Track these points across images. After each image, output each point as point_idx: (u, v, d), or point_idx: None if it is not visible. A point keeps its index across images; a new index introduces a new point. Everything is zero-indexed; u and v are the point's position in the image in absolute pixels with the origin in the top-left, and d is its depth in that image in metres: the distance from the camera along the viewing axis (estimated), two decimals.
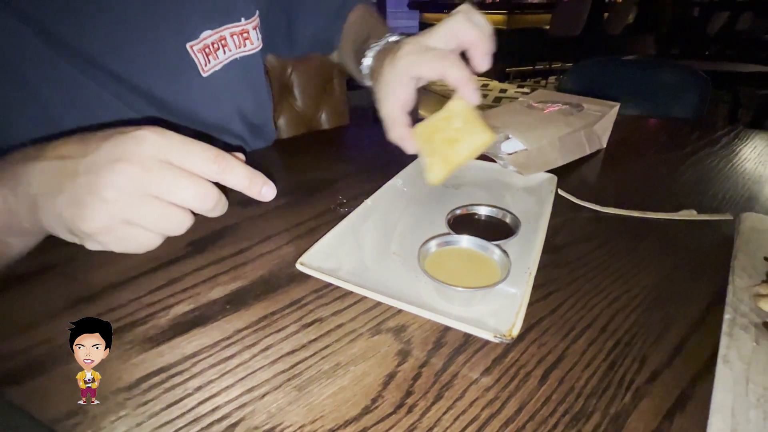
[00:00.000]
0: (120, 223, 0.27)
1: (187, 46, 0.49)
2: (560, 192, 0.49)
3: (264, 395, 0.26)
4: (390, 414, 0.25)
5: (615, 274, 0.36)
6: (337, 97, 1.00)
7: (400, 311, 0.32)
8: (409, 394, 0.26)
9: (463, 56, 0.40)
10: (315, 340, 0.30)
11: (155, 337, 0.30)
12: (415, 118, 0.44)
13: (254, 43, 0.55)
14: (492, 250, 0.35)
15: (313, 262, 0.35)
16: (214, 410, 0.25)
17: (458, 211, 0.42)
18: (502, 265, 0.33)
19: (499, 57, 0.41)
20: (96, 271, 0.36)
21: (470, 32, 0.39)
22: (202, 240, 0.41)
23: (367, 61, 0.50)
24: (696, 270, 0.37)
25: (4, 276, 0.36)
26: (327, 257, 0.36)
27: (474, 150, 0.39)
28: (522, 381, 0.27)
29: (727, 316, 0.30)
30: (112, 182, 0.26)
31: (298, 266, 0.34)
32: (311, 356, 0.28)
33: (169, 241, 0.31)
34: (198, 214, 0.30)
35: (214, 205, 0.29)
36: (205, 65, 0.51)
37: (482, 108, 0.43)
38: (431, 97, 2.78)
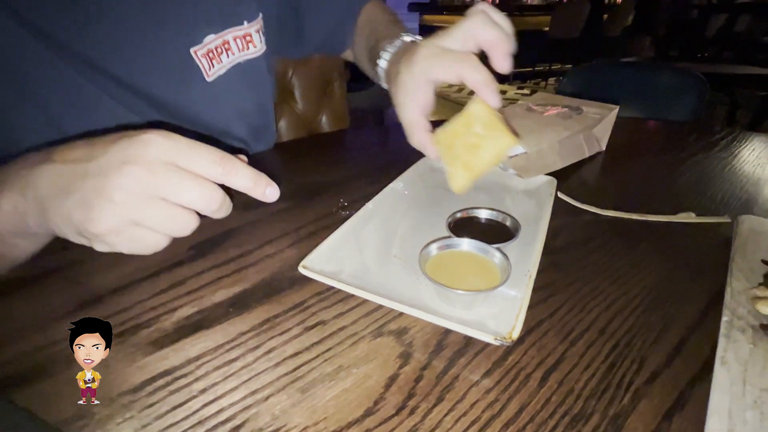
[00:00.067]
0: (128, 225, 0.28)
1: (191, 51, 0.49)
2: (560, 195, 0.49)
3: (268, 397, 0.26)
4: (392, 416, 0.25)
5: (614, 277, 0.37)
6: (338, 100, 1.01)
7: (401, 314, 0.32)
8: (410, 396, 0.26)
9: (483, 56, 0.39)
10: (318, 342, 0.30)
11: (159, 340, 0.30)
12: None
13: (257, 46, 0.55)
14: (492, 253, 0.35)
15: (315, 266, 0.35)
16: (218, 412, 0.25)
17: (459, 214, 0.42)
18: (502, 268, 0.34)
19: None
20: (100, 274, 0.37)
21: (489, 33, 0.38)
22: (205, 243, 0.41)
23: (383, 63, 0.50)
24: (694, 272, 0.38)
25: (10, 279, 0.36)
26: (329, 260, 0.36)
27: (497, 155, 0.37)
28: (522, 383, 0.27)
29: (724, 318, 0.30)
30: (120, 184, 0.27)
31: (301, 269, 0.35)
32: (314, 358, 0.29)
33: (172, 244, 0.32)
34: (202, 216, 0.31)
35: (219, 206, 0.29)
36: (209, 70, 0.51)
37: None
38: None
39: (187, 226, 0.30)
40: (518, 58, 0.39)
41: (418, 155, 0.55)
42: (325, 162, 0.64)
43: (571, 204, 0.48)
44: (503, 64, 0.38)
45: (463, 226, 0.41)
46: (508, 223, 0.41)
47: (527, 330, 0.31)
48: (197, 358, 0.29)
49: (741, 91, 2.81)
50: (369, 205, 0.45)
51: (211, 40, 0.50)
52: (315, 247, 0.37)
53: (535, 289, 0.33)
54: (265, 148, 0.66)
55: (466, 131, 0.38)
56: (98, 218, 0.27)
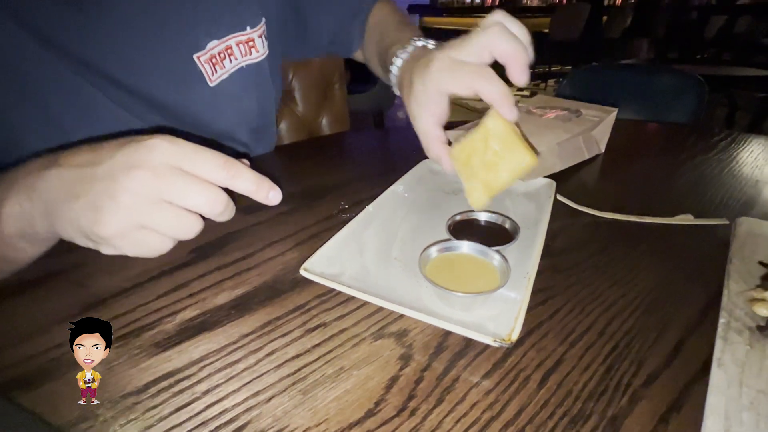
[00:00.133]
0: (134, 228, 0.28)
1: (195, 57, 0.49)
2: (559, 197, 0.49)
3: (270, 399, 0.26)
4: (393, 417, 0.25)
5: (612, 279, 0.37)
6: (338, 103, 1.01)
7: (401, 316, 0.33)
8: (411, 397, 0.26)
9: (496, 65, 0.38)
10: (319, 344, 0.30)
11: (163, 342, 0.30)
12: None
13: (260, 51, 0.56)
14: (492, 256, 0.35)
15: (316, 268, 0.35)
16: (221, 413, 0.25)
17: (458, 217, 0.42)
18: (501, 270, 0.34)
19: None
20: (103, 277, 0.37)
21: (506, 46, 0.36)
22: (207, 246, 0.41)
23: (395, 69, 0.49)
24: (692, 274, 0.38)
25: (14, 282, 0.36)
26: (330, 263, 0.37)
27: (516, 174, 0.36)
28: (521, 384, 0.27)
29: (722, 320, 0.31)
30: (127, 188, 0.27)
31: (302, 272, 0.35)
32: (315, 360, 0.29)
33: (175, 247, 0.32)
34: (205, 219, 0.31)
35: (223, 210, 0.30)
36: (212, 75, 0.52)
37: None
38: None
39: (191, 229, 0.30)
40: None
41: (419, 158, 0.56)
42: (325, 165, 0.64)
43: (570, 206, 0.49)
44: (521, 77, 0.37)
45: (463, 228, 0.41)
46: (507, 225, 0.41)
47: (526, 332, 0.31)
48: (200, 359, 0.29)
49: (740, 92, 2.81)
50: (369, 207, 0.45)
51: (214, 46, 0.51)
52: (316, 250, 0.37)
53: (534, 291, 0.33)
54: (267, 151, 0.67)
55: (483, 148, 0.37)
56: (106, 221, 0.28)
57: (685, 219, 0.46)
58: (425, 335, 0.31)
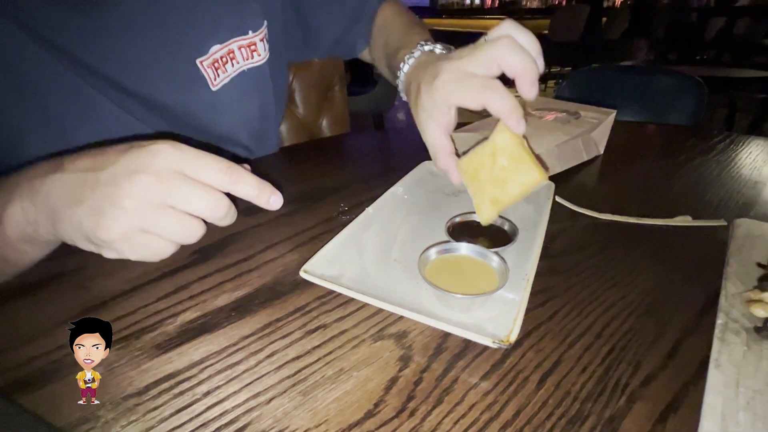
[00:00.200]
0: (137, 232, 0.29)
1: (197, 62, 0.50)
2: (558, 199, 0.50)
3: (270, 400, 0.27)
4: (392, 418, 0.25)
5: (611, 281, 0.37)
6: (338, 104, 1.01)
7: (401, 317, 0.33)
8: (410, 398, 0.27)
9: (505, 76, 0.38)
10: (319, 346, 0.31)
11: (163, 343, 0.31)
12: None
13: (261, 55, 0.56)
14: (490, 258, 0.36)
15: (316, 270, 0.36)
16: (221, 415, 0.26)
17: (457, 219, 0.43)
18: (500, 271, 0.34)
19: None
20: (105, 279, 0.37)
21: (514, 61, 0.35)
22: (208, 248, 0.42)
23: (402, 75, 0.49)
24: (690, 276, 0.38)
25: (16, 284, 0.37)
26: (330, 265, 0.37)
27: (525, 191, 0.36)
28: (520, 385, 0.27)
29: (719, 321, 0.31)
30: (130, 192, 0.27)
31: (302, 274, 0.35)
32: (315, 362, 0.29)
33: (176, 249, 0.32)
34: (207, 223, 0.31)
35: (224, 214, 0.30)
36: (215, 79, 0.52)
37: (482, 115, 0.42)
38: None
39: (194, 233, 0.30)
40: None
41: (418, 160, 0.56)
42: (325, 167, 0.65)
43: (569, 208, 0.49)
44: (530, 92, 0.36)
45: (462, 230, 0.42)
46: (506, 227, 0.42)
47: (525, 333, 0.31)
48: (201, 361, 0.29)
49: (740, 93, 2.81)
50: (369, 209, 0.46)
51: (217, 50, 0.51)
52: (316, 252, 0.37)
53: (532, 293, 0.33)
54: (268, 153, 0.67)
55: (491, 163, 0.36)
56: (109, 225, 0.28)
57: (684, 221, 0.46)
58: (424, 336, 0.31)
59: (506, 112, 0.35)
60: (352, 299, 0.34)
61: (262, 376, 0.28)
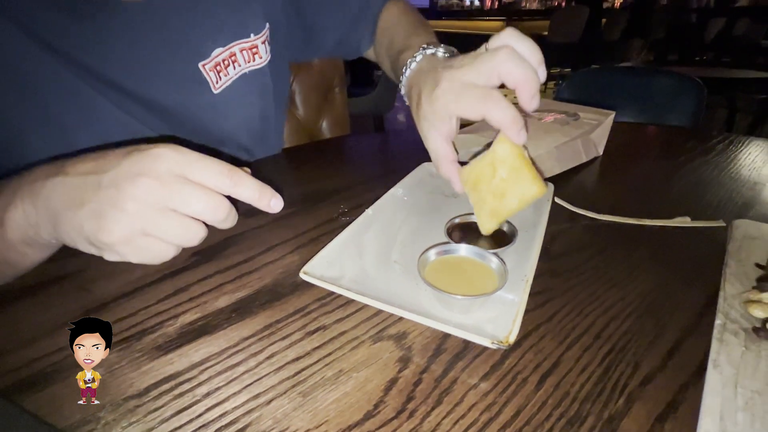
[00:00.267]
0: (139, 234, 0.29)
1: (200, 65, 0.50)
2: (557, 200, 0.50)
3: (270, 401, 0.27)
4: (392, 419, 0.25)
5: (610, 282, 0.37)
6: (338, 106, 1.02)
7: (401, 319, 0.33)
8: (410, 399, 0.27)
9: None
10: (319, 347, 0.31)
11: (164, 345, 0.31)
12: None
13: (263, 57, 0.56)
14: (490, 259, 0.36)
15: (316, 271, 0.36)
16: (222, 416, 0.26)
17: (457, 220, 0.43)
18: (499, 273, 0.34)
19: None
20: (106, 281, 0.37)
21: (515, 72, 0.35)
22: (208, 250, 0.42)
23: (404, 80, 0.48)
24: (689, 276, 0.38)
25: (17, 286, 0.37)
26: (329, 266, 0.37)
27: (523, 204, 0.36)
28: (519, 386, 0.27)
29: (718, 322, 0.31)
30: (132, 195, 0.28)
31: (302, 275, 0.35)
32: (315, 363, 0.29)
33: None
34: (208, 225, 0.31)
35: (225, 217, 0.30)
36: (216, 82, 0.52)
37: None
38: None
39: (195, 236, 0.30)
40: None
41: (418, 161, 0.56)
42: (325, 168, 0.65)
43: (568, 209, 0.49)
44: (530, 103, 0.36)
45: (462, 231, 0.42)
46: (505, 228, 0.42)
47: (524, 334, 0.31)
48: (201, 362, 0.29)
49: (740, 94, 2.82)
50: (369, 211, 0.46)
51: (219, 54, 0.51)
52: (316, 253, 0.38)
53: (532, 294, 0.33)
54: (270, 154, 0.67)
55: (491, 174, 0.36)
56: (110, 228, 0.28)
57: (683, 221, 0.46)
58: (424, 337, 0.31)
59: (506, 123, 0.35)
60: (352, 300, 0.35)
61: (262, 377, 0.28)
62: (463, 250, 0.37)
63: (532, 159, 0.37)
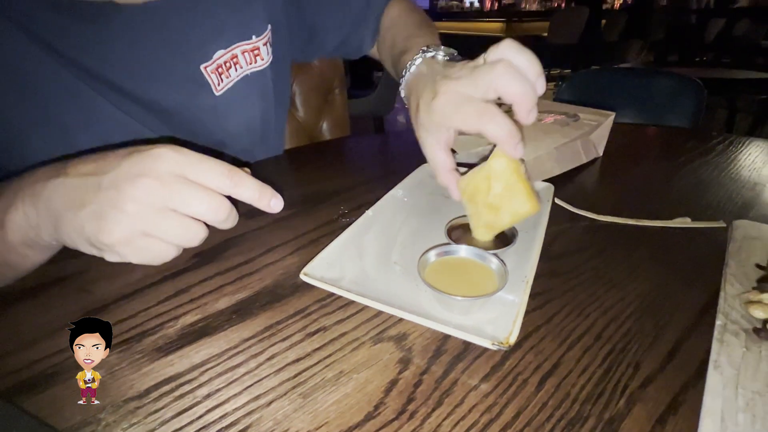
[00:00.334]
0: (139, 235, 0.29)
1: (202, 67, 0.50)
2: (557, 201, 0.50)
3: (270, 402, 0.27)
4: (392, 420, 0.25)
5: (610, 283, 0.37)
6: (339, 108, 1.02)
7: (401, 320, 0.33)
8: (410, 400, 0.27)
9: None
10: (319, 348, 0.31)
11: (164, 346, 0.31)
12: None
13: (264, 59, 0.56)
14: (490, 260, 0.36)
15: (316, 273, 0.36)
16: (222, 417, 0.26)
17: (457, 221, 0.43)
18: (499, 274, 0.34)
19: None
20: (106, 282, 0.37)
21: (511, 87, 0.35)
22: (208, 251, 0.42)
23: (404, 83, 0.48)
24: (689, 277, 0.38)
25: (18, 288, 0.37)
26: (330, 267, 0.37)
27: (516, 220, 0.37)
28: (519, 387, 0.27)
29: (718, 323, 0.31)
30: (133, 196, 0.28)
31: (302, 276, 0.35)
32: (315, 364, 0.29)
33: None
34: (209, 226, 0.31)
35: (226, 217, 0.30)
36: (218, 84, 0.52)
37: None
38: None
39: (196, 236, 0.30)
40: None
41: (418, 163, 0.56)
42: (325, 170, 0.65)
43: (568, 210, 0.49)
44: (527, 118, 0.36)
45: (462, 232, 0.42)
46: (505, 229, 0.42)
47: (524, 335, 0.31)
48: (201, 364, 0.29)
49: (740, 95, 2.82)
50: (369, 212, 0.46)
51: (220, 56, 0.51)
52: (316, 255, 0.38)
53: (532, 295, 0.33)
54: (273, 155, 0.67)
55: (486, 188, 0.37)
56: (111, 229, 0.28)
57: (683, 222, 0.46)
58: (424, 339, 0.31)
59: (502, 139, 0.35)
60: (352, 302, 0.35)
61: (263, 378, 0.28)
62: (464, 251, 0.37)
63: (528, 176, 0.37)
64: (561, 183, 0.53)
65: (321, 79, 0.96)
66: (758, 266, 0.37)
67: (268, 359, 0.30)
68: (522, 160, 0.37)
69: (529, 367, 0.29)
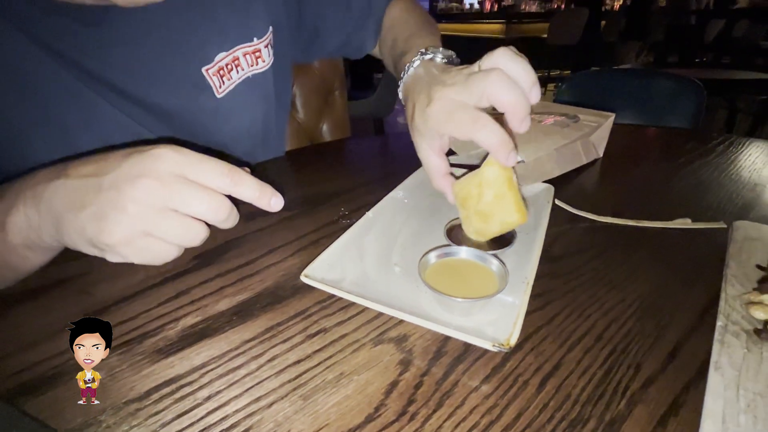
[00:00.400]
0: (140, 235, 0.29)
1: (203, 70, 0.50)
2: (557, 202, 0.50)
3: (271, 404, 0.27)
4: (393, 422, 0.25)
5: (610, 284, 0.37)
6: (339, 109, 1.02)
7: (401, 321, 0.33)
8: (411, 402, 0.27)
9: None
10: (319, 350, 0.31)
11: (165, 348, 0.31)
12: None
13: (266, 61, 0.57)
14: (490, 261, 0.36)
15: (316, 274, 0.36)
16: (223, 419, 0.26)
17: (455, 222, 0.43)
18: (500, 275, 0.34)
19: None
20: (107, 284, 0.37)
21: (504, 97, 0.35)
22: (209, 253, 0.42)
23: (402, 84, 0.48)
24: (690, 278, 0.38)
25: (19, 290, 0.37)
26: (330, 269, 0.37)
27: (504, 229, 0.38)
28: (520, 389, 0.27)
29: (719, 324, 0.31)
30: (133, 196, 0.28)
31: (303, 278, 0.35)
32: (316, 366, 0.29)
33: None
34: (210, 226, 0.32)
35: (227, 217, 0.31)
36: (220, 87, 0.52)
37: None
38: None
39: (197, 236, 0.31)
40: None
41: (418, 164, 0.56)
42: (326, 171, 0.65)
43: (568, 211, 0.49)
44: (520, 126, 0.36)
45: (461, 233, 0.42)
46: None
47: (525, 336, 0.31)
48: (202, 366, 0.29)
49: (740, 96, 2.82)
50: (369, 213, 0.46)
51: (222, 58, 0.51)
52: (317, 256, 0.38)
53: (532, 296, 0.33)
54: (273, 157, 0.67)
55: (478, 195, 0.37)
56: (112, 229, 0.28)
57: (683, 223, 0.46)
58: (425, 340, 0.31)
59: (494, 147, 0.35)
60: (353, 303, 0.35)
61: (263, 380, 0.28)
62: (464, 252, 0.37)
63: (519, 185, 0.38)
64: (561, 184, 0.53)
65: (321, 80, 0.96)
66: (759, 267, 0.37)
67: (269, 361, 0.30)
68: (514, 170, 0.37)
69: (529, 368, 0.29)
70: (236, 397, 0.27)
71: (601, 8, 5.09)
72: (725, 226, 0.45)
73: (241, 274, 0.39)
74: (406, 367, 0.29)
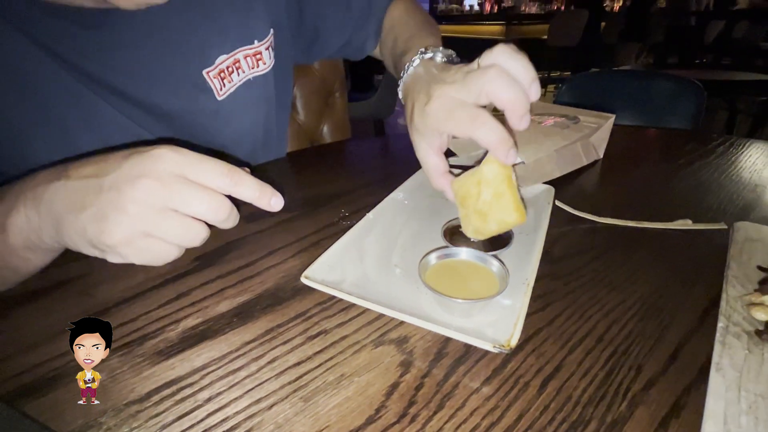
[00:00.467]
0: (141, 236, 0.29)
1: (204, 73, 0.50)
2: (557, 203, 0.50)
3: (271, 406, 0.27)
4: (393, 423, 0.25)
5: (611, 285, 0.37)
6: (339, 110, 1.02)
7: (402, 323, 0.33)
8: (411, 403, 0.27)
9: None
10: (320, 351, 0.31)
11: (165, 350, 0.31)
12: None
13: (267, 63, 0.57)
14: (491, 262, 0.36)
15: (317, 276, 0.36)
16: (223, 421, 0.26)
17: (455, 222, 0.43)
18: (500, 276, 0.34)
19: None
20: (107, 286, 0.37)
21: (503, 94, 0.34)
22: (209, 254, 0.42)
23: (401, 84, 0.48)
24: (691, 279, 0.38)
25: (20, 291, 0.37)
26: (331, 270, 0.37)
27: (502, 229, 0.37)
28: (521, 390, 0.27)
29: (720, 325, 0.31)
30: (133, 197, 0.28)
31: (303, 279, 0.35)
32: (317, 367, 0.29)
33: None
34: (210, 227, 0.32)
35: (227, 217, 0.31)
36: (221, 89, 0.52)
37: None
38: None
39: (197, 236, 0.31)
40: None
41: (418, 165, 0.56)
42: (326, 173, 0.65)
43: (569, 212, 0.49)
44: (519, 124, 0.35)
45: (461, 234, 0.42)
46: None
47: (526, 338, 0.31)
48: (202, 367, 0.29)
49: (740, 97, 2.82)
50: (370, 215, 0.46)
51: (223, 60, 0.51)
52: (317, 258, 0.38)
53: (533, 298, 0.33)
54: (273, 158, 0.67)
55: (477, 194, 0.37)
56: (112, 230, 0.28)
57: (684, 224, 0.46)
58: (425, 342, 0.31)
59: (494, 145, 0.35)
60: (353, 305, 0.35)
61: (264, 382, 0.28)
62: (464, 253, 0.37)
63: (518, 185, 0.37)
64: (561, 185, 0.53)
65: (321, 82, 0.97)
66: (760, 268, 0.37)
67: (269, 362, 0.30)
68: (514, 168, 0.37)
69: (530, 370, 0.29)
70: (237, 398, 0.27)
71: (601, 9, 5.09)
72: (726, 227, 0.45)
73: (242, 276, 0.39)
74: (406, 368, 0.29)
